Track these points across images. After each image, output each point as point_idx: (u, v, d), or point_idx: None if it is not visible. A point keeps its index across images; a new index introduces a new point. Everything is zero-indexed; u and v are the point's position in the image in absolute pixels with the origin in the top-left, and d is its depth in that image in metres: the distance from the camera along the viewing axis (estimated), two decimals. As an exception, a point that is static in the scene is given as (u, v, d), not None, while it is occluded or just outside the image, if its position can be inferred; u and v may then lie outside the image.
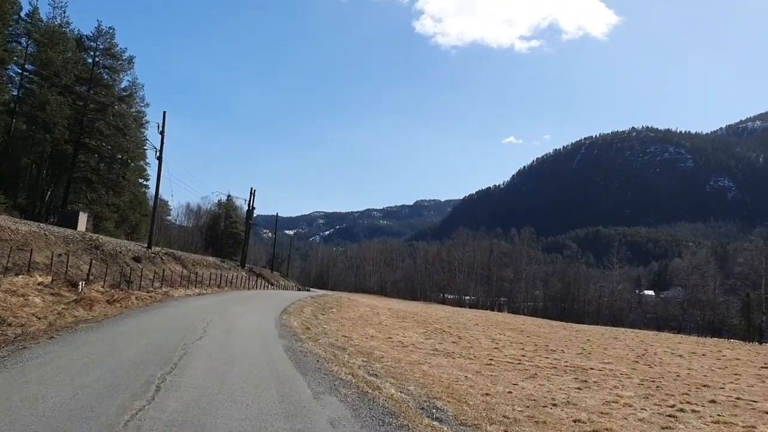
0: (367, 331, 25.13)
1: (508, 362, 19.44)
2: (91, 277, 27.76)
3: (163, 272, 36.65)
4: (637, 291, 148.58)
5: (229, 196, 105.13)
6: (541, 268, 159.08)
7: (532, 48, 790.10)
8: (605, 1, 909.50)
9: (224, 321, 19.61)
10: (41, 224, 31.98)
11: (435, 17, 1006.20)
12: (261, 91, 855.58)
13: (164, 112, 44.18)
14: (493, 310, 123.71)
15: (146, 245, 43.69)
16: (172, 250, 50.70)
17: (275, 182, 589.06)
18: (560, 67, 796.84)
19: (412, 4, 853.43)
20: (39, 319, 15.02)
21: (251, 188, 73.82)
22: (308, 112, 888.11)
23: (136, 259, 36.73)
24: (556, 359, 22.40)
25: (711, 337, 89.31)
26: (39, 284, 20.35)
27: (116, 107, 60.39)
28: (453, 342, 25.80)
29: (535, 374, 16.47)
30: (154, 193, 49.95)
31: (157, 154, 43.06)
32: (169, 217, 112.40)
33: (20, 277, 21.42)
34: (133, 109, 65.01)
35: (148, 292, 30.16)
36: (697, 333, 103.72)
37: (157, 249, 45.44)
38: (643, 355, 30.28)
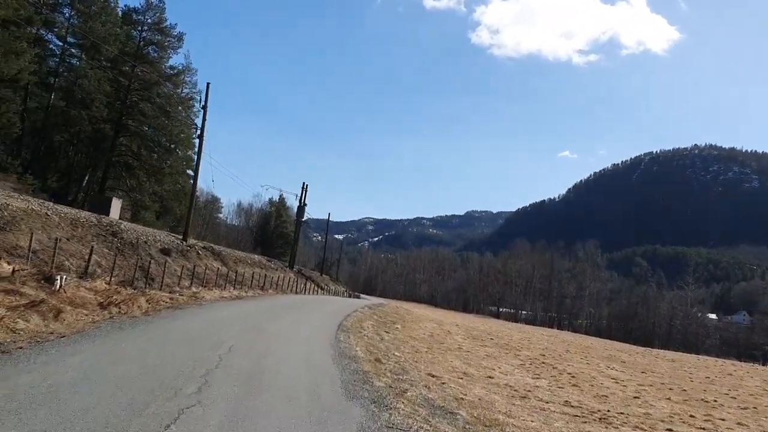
0: (453, 364, 18.27)
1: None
2: (97, 270, 21.67)
3: (195, 269, 30.43)
4: (699, 314, 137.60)
5: (281, 194, 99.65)
6: (605, 285, 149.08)
7: (589, 62, 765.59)
8: (668, 18, 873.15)
9: (252, 349, 12.49)
10: (46, 203, 26.25)
11: (492, 28, 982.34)
12: (316, 97, 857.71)
13: (207, 84, 38.49)
14: (551, 328, 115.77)
15: (182, 237, 37.73)
16: (211, 245, 44.66)
17: (327, 186, 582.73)
18: (618, 82, 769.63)
19: (469, 15, 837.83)
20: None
21: (303, 183, 67.70)
22: (362, 118, 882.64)
23: (165, 252, 30.64)
24: (746, 429, 15.21)
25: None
26: (-9, 275, 14.19)
27: (162, 87, 55.11)
28: (572, 384, 18.77)
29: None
30: (195, 177, 44.06)
31: (198, 132, 37.17)
32: (220, 215, 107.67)
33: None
34: (184, 93, 59.54)
35: (171, 292, 23.93)
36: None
37: (193, 242, 39.42)
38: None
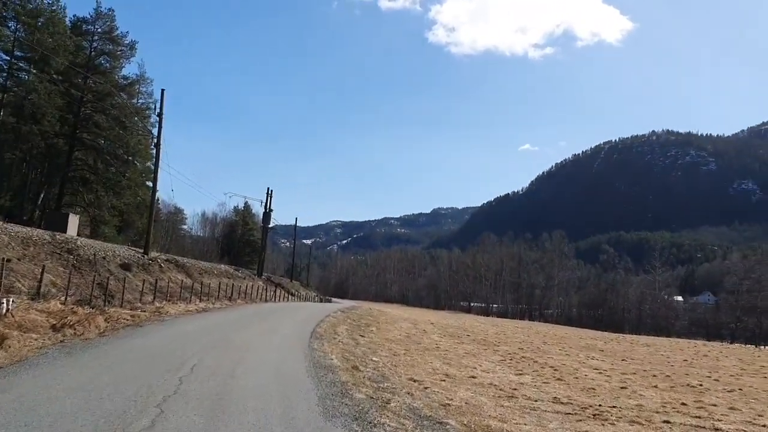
0: (433, 365, 17.55)
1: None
2: (52, 290, 20.46)
3: (156, 282, 29.20)
4: (667, 297, 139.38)
5: (246, 201, 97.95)
6: (573, 274, 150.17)
7: (545, 55, 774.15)
8: (620, 8, 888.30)
9: (218, 367, 11.44)
10: (-5, 222, 24.92)
11: (448, 27, 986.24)
12: (275, 101, 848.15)
13: (162, 91, 37.38)
14: (523, 319, 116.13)
15: (143, 250, 36.36)
16: (174, 257, 43.28)
17: (292, 192, 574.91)
18: (574, 74, 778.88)
19: (425, 14, 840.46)
20: None
21: (268, 188, 66.35)
22: (323, 121, 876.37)
23: (125, 267, 29.37)
24: (740, 414, 14.77)
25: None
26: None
27: (116, 98, 53.34)
28: (557, 379, 18.18)
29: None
30: (154, 187, 42.60)
31: (155, 140, 35.91)
32: (185, 227, 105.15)
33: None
34: (140, 102, 57.71)
35: (132, 308, 22.79)
36: (753, 343, 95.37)
37: (156, 255, 38.07)
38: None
